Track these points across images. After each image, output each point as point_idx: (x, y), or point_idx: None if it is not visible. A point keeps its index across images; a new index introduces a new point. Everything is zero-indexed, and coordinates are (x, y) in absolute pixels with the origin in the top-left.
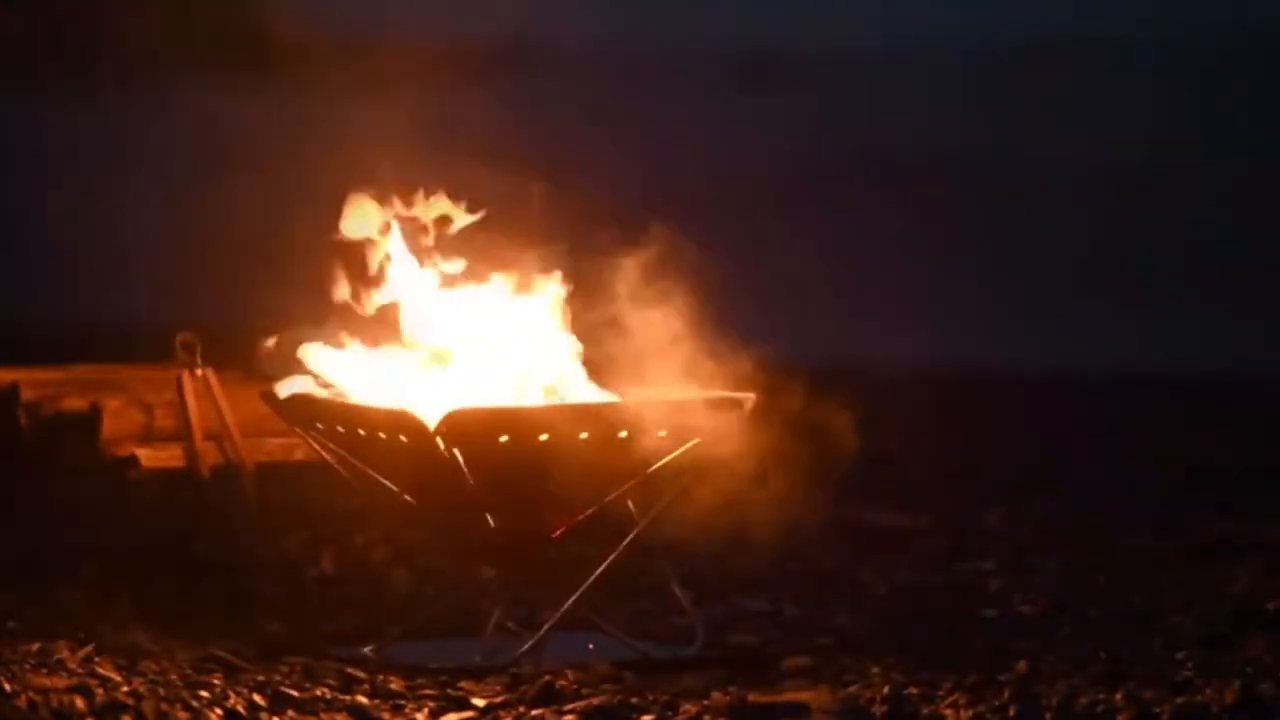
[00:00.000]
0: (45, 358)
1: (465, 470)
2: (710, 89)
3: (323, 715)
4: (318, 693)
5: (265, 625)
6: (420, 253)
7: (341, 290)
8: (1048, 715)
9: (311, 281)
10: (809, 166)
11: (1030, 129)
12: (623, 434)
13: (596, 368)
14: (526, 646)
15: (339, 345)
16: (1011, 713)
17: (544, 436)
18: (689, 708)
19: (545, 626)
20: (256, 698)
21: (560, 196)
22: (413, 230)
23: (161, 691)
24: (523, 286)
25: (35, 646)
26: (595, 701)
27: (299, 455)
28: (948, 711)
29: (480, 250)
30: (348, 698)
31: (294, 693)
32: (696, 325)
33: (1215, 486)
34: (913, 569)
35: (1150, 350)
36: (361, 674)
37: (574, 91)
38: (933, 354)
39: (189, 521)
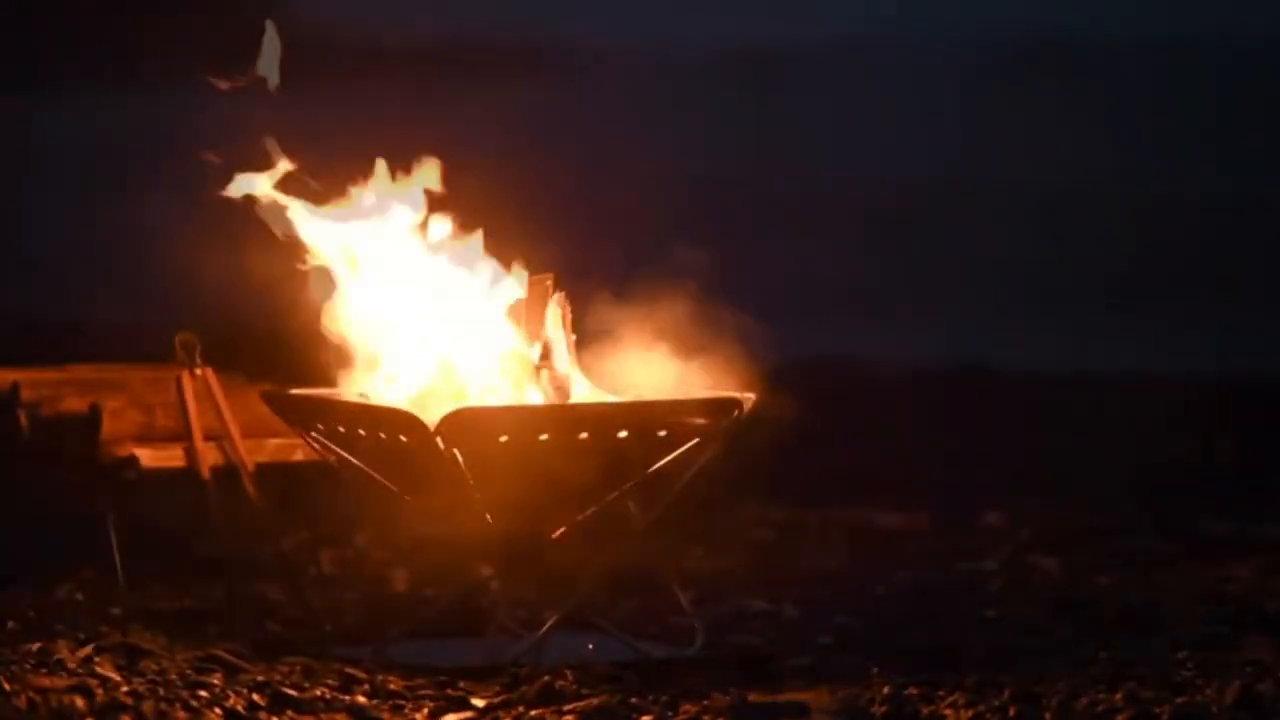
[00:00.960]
0: (45, 358)
1: (465, 470)
2: (710, 89)
3: (322, 715)
4: (317, 693)
5: (265, 625)
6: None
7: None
8: (1048, 715)
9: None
10: (809, 166)
11: (1030, 129)
12: (623, 434)
13: (596, 368)
14: (526, 646)
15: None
16: (1011, 713)
17: (544, 436)
18: (689, 708)
19: (545, 626)
20: (256, 698)
21: (560, 196)
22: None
23: (161, 691)
24: (522, 287)
25: (35, 646)
26: (595, 701)
27: (299, 455)
28: (948, 711)
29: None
30: (347, 698)
31: (293, 693)
32: (696, 325)
33: (1215, 486)
34: (913, 569)
35: (1150, 351)
36: (361, 674)
37: (562, 91)
38: (933, 354)
39: (189, 521)
